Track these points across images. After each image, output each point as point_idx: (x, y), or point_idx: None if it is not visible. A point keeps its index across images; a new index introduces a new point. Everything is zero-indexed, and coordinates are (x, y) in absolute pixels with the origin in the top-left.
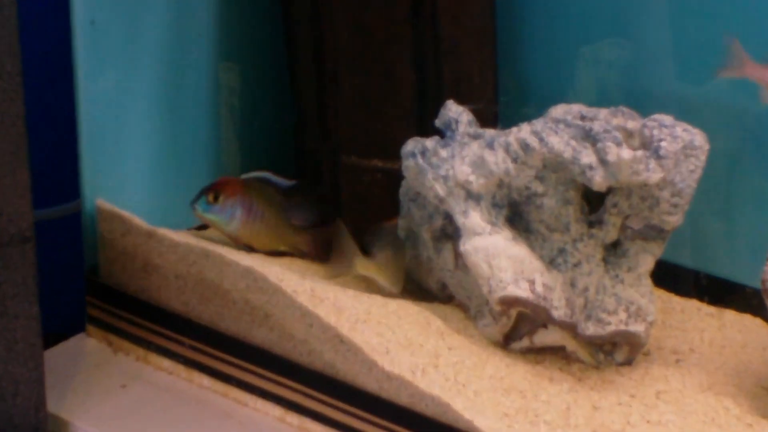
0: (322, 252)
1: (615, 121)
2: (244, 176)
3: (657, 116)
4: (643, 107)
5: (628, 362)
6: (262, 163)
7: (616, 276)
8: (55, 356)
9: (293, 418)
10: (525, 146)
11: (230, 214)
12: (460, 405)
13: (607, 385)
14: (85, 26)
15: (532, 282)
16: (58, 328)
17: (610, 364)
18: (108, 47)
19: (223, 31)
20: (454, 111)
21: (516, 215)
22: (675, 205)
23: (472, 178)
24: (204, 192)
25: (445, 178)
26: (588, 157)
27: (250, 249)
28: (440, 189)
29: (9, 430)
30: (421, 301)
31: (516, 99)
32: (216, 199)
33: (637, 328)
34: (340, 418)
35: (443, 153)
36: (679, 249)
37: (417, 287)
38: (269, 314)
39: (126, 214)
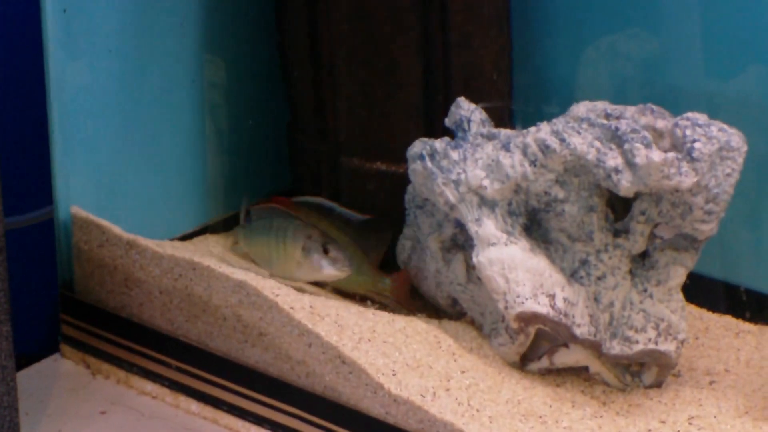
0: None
1: (643, 120)
2: (296, 199)
3: (690, 115)
4: (674, 105)
5: (658, 384)
6: (254, 165)
7: (645, 290)
8: (28, 379)
9: None
10: (544, 148)
11: None
12: None
13: (635, 409)
14: (57, 15)
15: (552, 297)
16: (29, 348)
17: (637, 386)
18: (82, 38)
19: (208, 19)
20: (466, 109)
21: (534, 223)
22: (709, 213)
23: (486, 182)
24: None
25: (456, 183)
26: (614, 159)
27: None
28: (451, 195)
29: None
30: (430, 317)
31: (534, 96)
32: None
33: (668, 347)
34: None
35: (454, 155)
36: (713, 261)
37: (425, 302)
38: (264, 332)
39: (104, 222)
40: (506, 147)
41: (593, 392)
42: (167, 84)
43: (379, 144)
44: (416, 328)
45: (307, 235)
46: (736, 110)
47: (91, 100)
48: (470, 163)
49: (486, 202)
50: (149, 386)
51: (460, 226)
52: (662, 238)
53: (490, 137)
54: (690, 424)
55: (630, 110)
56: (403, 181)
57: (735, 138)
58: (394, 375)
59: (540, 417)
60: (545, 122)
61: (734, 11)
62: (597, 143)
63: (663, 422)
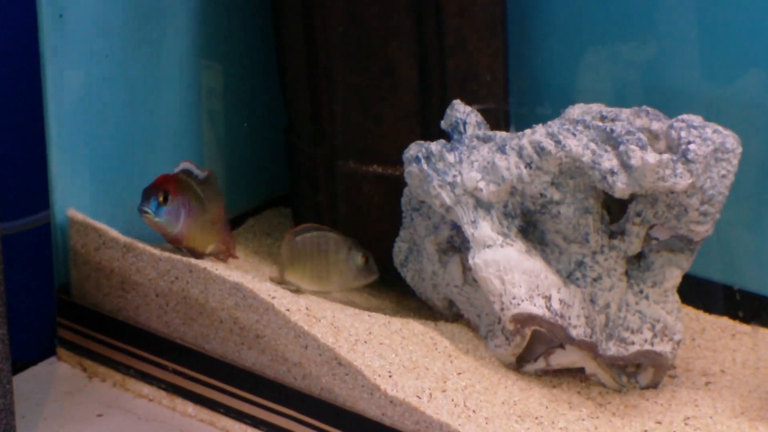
0: (232, 248)
1: (638, 122)
2: (177, 168)
3: (685, 116)
4: (669, 107)
5: (654, 385)
6: (251, 169)
7: (640, 291)
8: (24, 382)
9: None
10: (540, 150)
11: (176, 215)
12: None
13: (631, 410)
14: (53, 20)
15: (548, 298)
16: (25, 352)
17: (633, 387)
18: (78, 42)
19: (204, 24)
20: (462, 111)
21: (530, 225)
22: (704, 214)
23: (481, 184)
24: (151, 193)
25: (452, 185)
26: (609, 161)
27: (193, 253)
28: (447, 197)
29: None
30: (426, 319)
31: (529, 98)
32: (165, 200)
33: (663, 347)
34: None
35: (450, 158)
36: (708, 262)
37: (421, 304)
38: (260, 335)
39: (100, 225)
40: (502, 149)
41: (589, 393)
42: (163, 88)
43: (375, 147)
44: (413, 330)
45: (348, 246)
46: (734, 113)
47: (87, 105)
48: (466, 166)
49: (482, 204)
50: (146, 389)
51: (456, 228)
52: (658, 239)
53: (485, 139)
54: (686, 424)
55: (625, 112)
56: (399, 183)
57: (730, 139)
58: (390, 376)
59: (536, 418)
60: (540, 124)
61: (731, 15)
62: (592, 145)
63: (659, 423)
